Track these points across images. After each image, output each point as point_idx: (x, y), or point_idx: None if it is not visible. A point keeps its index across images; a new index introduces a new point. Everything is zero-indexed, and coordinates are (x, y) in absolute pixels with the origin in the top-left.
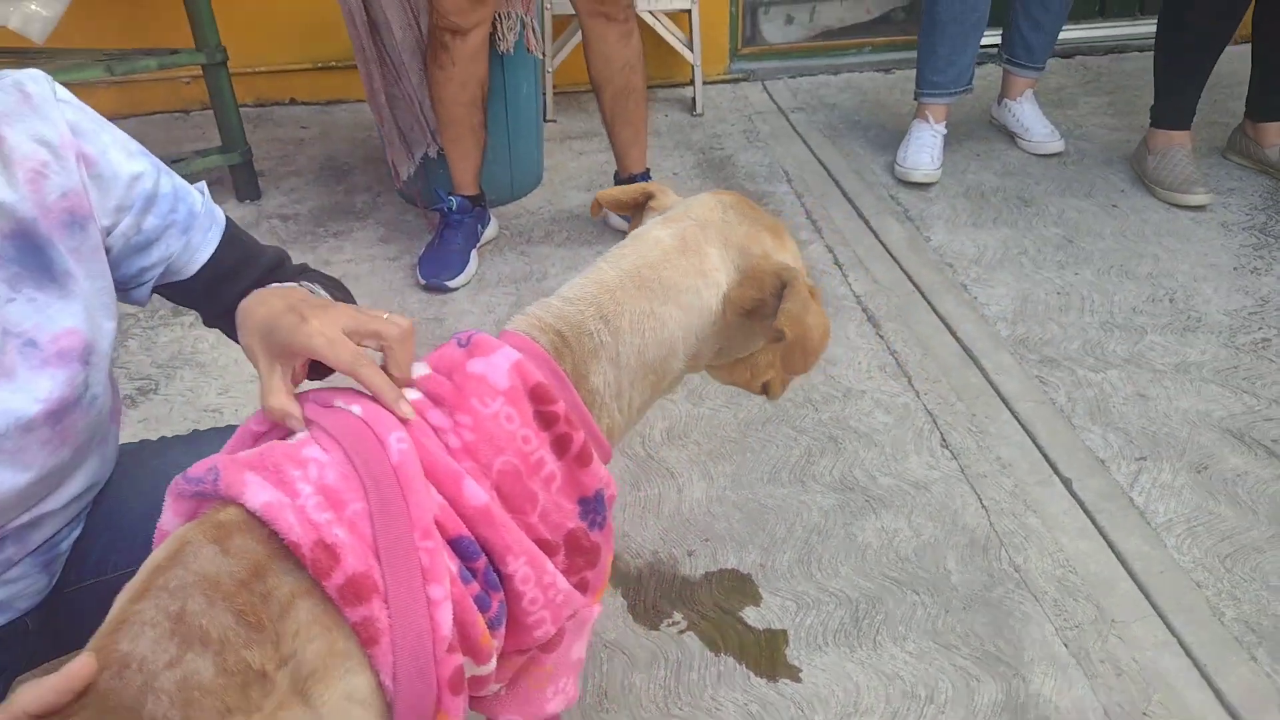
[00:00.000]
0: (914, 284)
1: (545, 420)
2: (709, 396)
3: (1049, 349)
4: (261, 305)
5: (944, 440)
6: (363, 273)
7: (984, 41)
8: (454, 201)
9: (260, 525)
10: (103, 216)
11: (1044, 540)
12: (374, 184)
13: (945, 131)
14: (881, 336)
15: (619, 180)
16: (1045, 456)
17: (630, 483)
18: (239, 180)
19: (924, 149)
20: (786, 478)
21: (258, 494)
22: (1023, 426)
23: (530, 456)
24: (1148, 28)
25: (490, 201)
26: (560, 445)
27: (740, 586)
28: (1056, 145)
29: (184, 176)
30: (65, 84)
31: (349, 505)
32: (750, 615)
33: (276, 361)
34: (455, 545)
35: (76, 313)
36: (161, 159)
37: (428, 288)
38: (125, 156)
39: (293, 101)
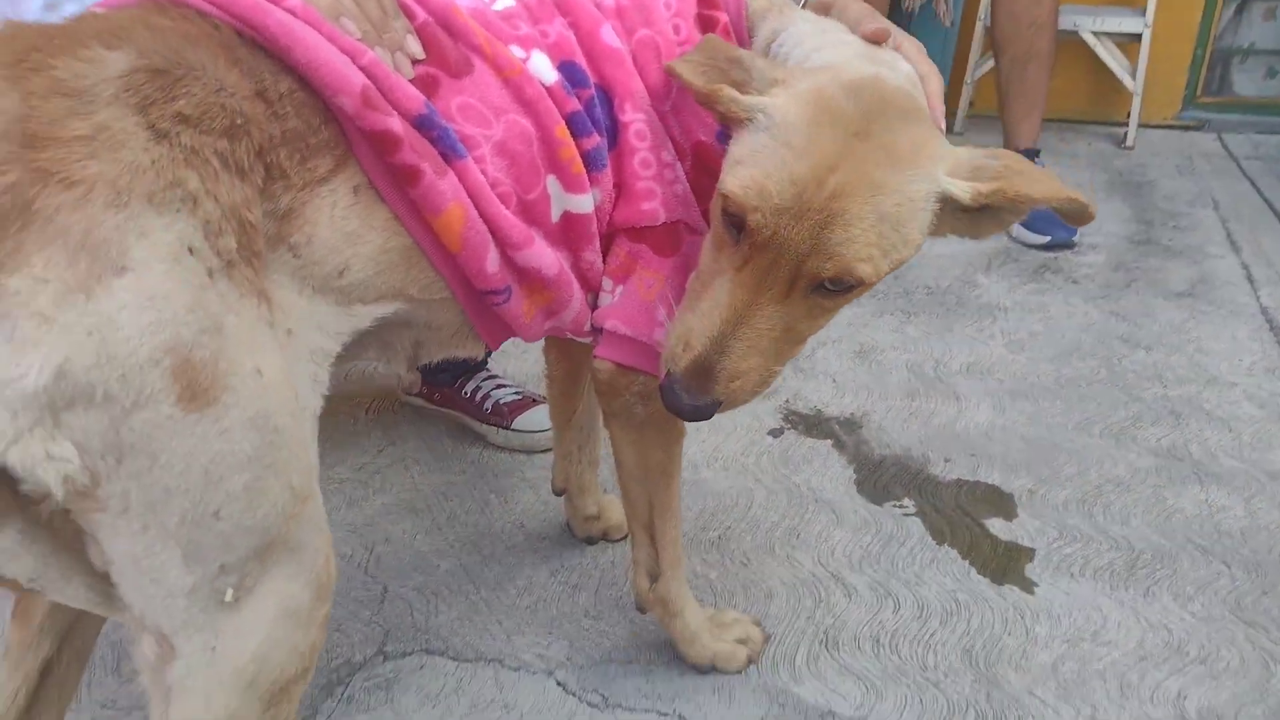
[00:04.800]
0: None
1: (705, 24)
2: (1031, 347)
3: None
4: None
5: None
6: None
7: None
8: None
9: None
10: None
11: None
12: None
13: None
14: None
15: None
16: None
17: (905, 392)
18: None
19: None
20: (1099, 431)
21: None
22: None
23: (675, 47)
24: None
25: None
26: None
27: (994, 500)
28: None
29: None
30: None
31: None
32: (994, 525)
33: None
34: (564, 69)
35: None
36: None
37: None
38: None
39: None
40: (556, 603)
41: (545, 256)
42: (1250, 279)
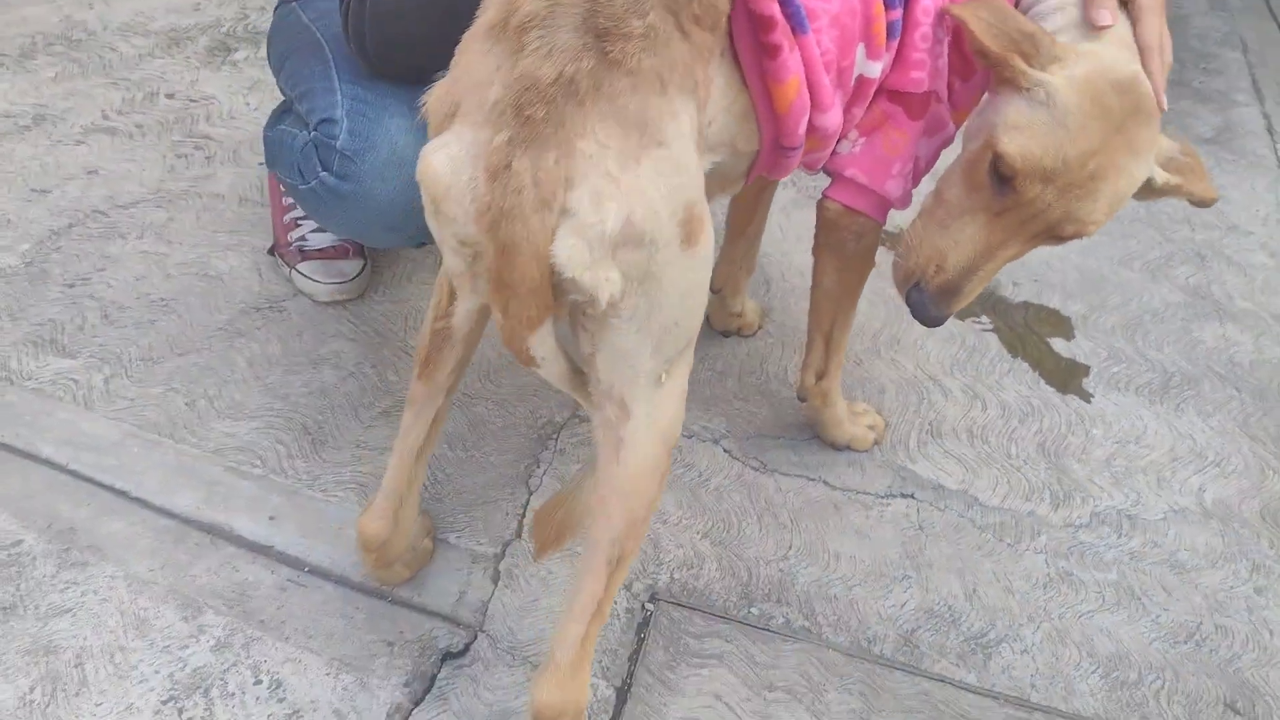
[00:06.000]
0: None
1: None
2: None
3: None
4: None
5: None
6: None
7: None
8: None
9: None
10: None
11: None
12: None
13: None
14: None
15: None
16: None
17: None
18: None
19: None
20: (1138, 266)
21: None
22: None
23: None
24: None
25: None
26: None
27: (1055, 321)
28: None
29: None
30: None
31: None
32: (1057, 344)
33: None
34: None
35: None
36: None
37: None
38: None
39: None
40: (709, 386)
41: (836, 118)
42: (1270, 130)
